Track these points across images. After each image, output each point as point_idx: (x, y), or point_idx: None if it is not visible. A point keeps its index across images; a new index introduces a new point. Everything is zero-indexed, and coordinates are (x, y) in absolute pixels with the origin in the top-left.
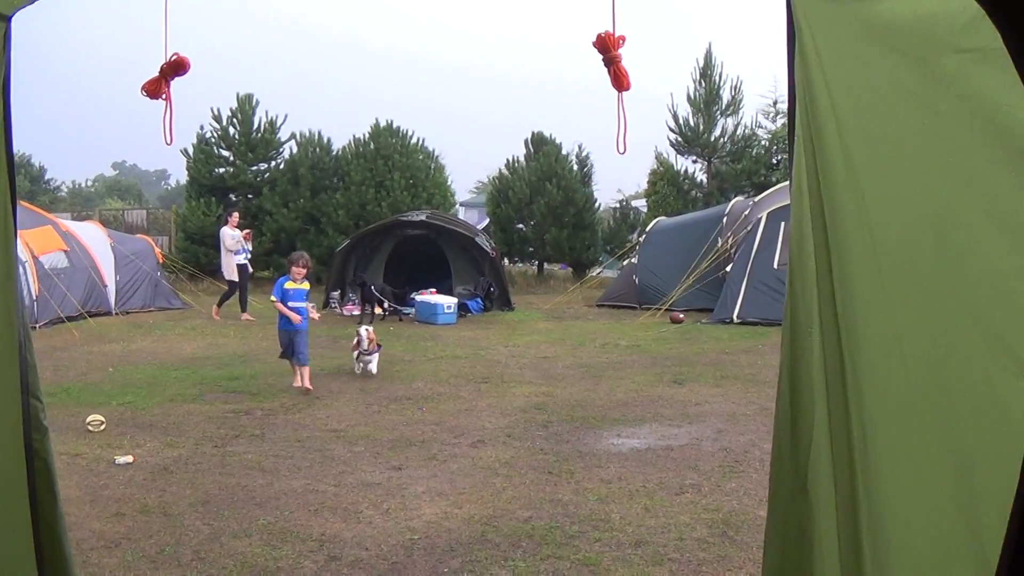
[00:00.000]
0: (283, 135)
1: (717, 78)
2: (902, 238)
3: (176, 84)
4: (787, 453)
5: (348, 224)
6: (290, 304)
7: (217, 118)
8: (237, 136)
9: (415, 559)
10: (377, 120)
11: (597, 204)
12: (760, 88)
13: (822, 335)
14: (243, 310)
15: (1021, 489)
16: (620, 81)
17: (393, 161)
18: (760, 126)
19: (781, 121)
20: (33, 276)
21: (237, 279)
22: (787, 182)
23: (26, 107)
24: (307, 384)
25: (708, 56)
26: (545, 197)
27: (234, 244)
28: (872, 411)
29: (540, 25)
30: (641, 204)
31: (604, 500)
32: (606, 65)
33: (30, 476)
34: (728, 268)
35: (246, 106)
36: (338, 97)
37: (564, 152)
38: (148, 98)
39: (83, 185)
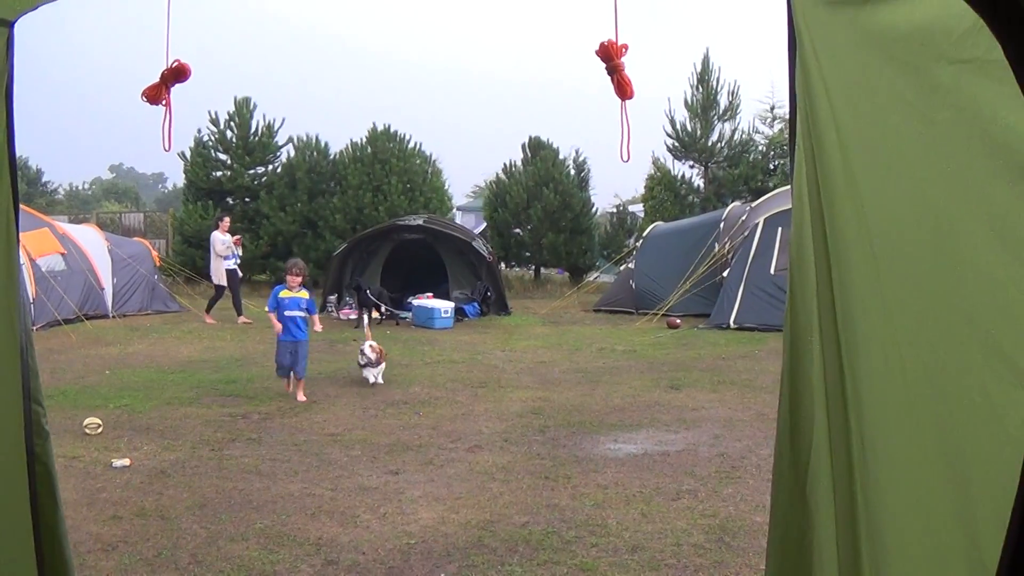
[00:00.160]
0: (280, 139)
1: (714, 83)
2: (901, 247)
3: (174, 88)
4: (787, 459)
5: (345, 228)
6: (286, 313)
7: (215, 122)
8: (234, 140)
9: (412, 564)
10: (375, 124)
11: (594, 209)
12: (757, 93)
13: (822, 342)
14: (239, 314)
15: (1019, 497)
16: (623, 89)
17: (390, 165)
18: (757, 131)
19: (778, 126)
20: (30, 279)
21: (225, 284)
22: (784, 187)
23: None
24: (301, 395)
25: (706, 61)
26: (542, 202)
27: (224, 249)
28: (871, 418)
29: (538, 31)
30: (638, 209)
31: (601, 505)
32: (609, 74)
33: (31, 480)
34: (725, 273)
35: (244, 110)
36: (335, 101)
37: (561, 157)
38: (148, 104)
39: (80, 188)
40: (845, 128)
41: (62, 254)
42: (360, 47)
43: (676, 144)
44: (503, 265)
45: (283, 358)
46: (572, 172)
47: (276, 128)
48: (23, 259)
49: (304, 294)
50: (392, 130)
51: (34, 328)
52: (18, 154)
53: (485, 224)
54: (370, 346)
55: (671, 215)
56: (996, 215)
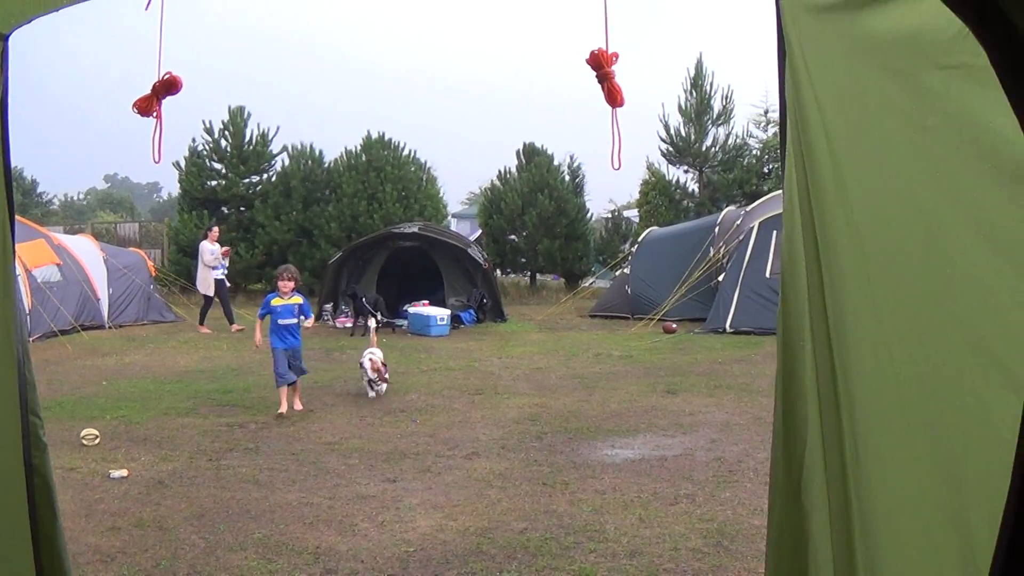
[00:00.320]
0: (275, 147)
1: (708, 88)
2: (891, 251)
3: (166, 100)
4: (782, 462)
5: (340, 236)
6: (279, 322)
7: (209, 131)
8: (229, 149)
9: (410, 571)
10: (369, 132)
11: (589, 214)
12: (751, 97)
13: (814, 346)
14: (231, 322)
15: (1011, 498)
16: (614, 97)
17: (385, 173)
18: (751, 135)
19: (772, 130)
20: (26, 290)
21: (212, 293)
22: (779, 191)
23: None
24: (296, 404)
25: (699, 66)
26: (537, 208)
27: (212, 259)
28: (864, 422)
29: (533, 39)
30: (633, 214)
31: (599, 511)
32: (599, 82)
33: (30, 492)
34: (720, 278)
35: (238, 118)
36: (330, 110)
37: (556, 163)
38: (140, 115)
39: (75, 198)
40: (835, 134)
41: (58, 265)
42: (354, 55)
43: (670, 149)
44: (499, 272)
45: (282, 367)
46: (567, 178)
47: (271, 137)
48: (19, 270)
49: (297, 299)
50: (387, 138)
51: (30, 339)
52: (13, 165)
53: (480, 231)
54: (370, 360)
55: (666, 220)
56: (986, 219)
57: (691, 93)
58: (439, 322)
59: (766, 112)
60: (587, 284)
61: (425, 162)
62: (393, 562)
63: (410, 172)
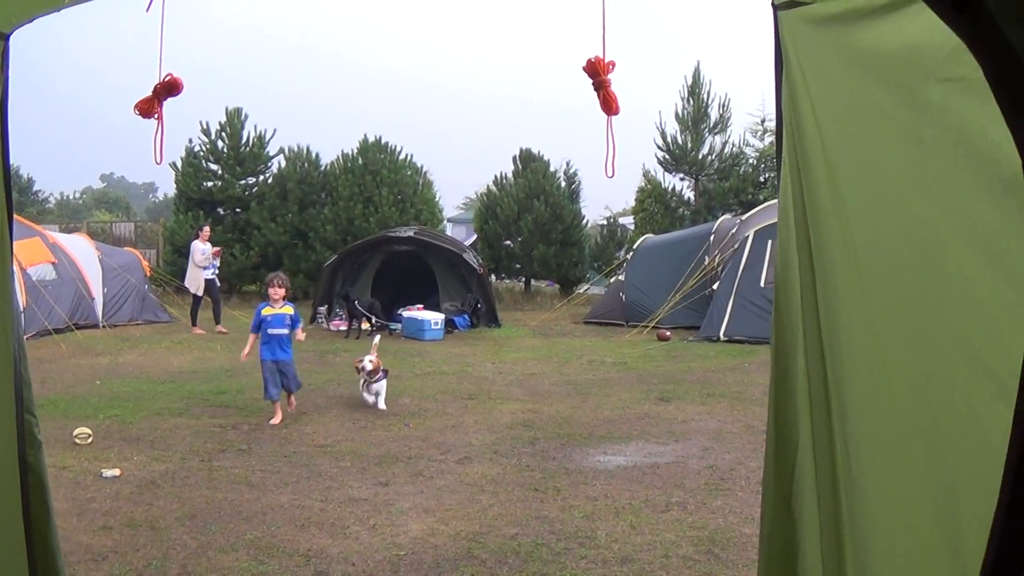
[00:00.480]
0: (272, 149)
1: (705, 96)
2: (886, 263)
3: (166, 102)
4: (773, 472)
5: (336, 239)
6: (270, 332)
7: (206, 132)
8: (226, 150)
9: (401, 575)
10: (366, 136)
11: (585, 221)
12: (748, 106)
13: (807, 355)
14: (216, 322)
15: (1000, 508)
16: (609, 105)
17: (381, 177)
18: (748, 144)
19: (769, 139)
20: (21, 288)
21: (201, 293)
22: (775, 200)
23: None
24: (290, 404)
25: (696, 74)
26: (533, 214)
27: (203, 260)
28: (856, 431)
29: (530, 46)
30: (628, 221)
31: (590, 517)
32: (595, 89)
33: (24, 491)
34: (715, 286)
35: (235, 120)
36: (327, 113)
37: (552, 169)
38: (141, 117)
39: (71, 197)
40: (831, 145)
41: (53, 263)
42: (352, 59)
43: (667, 157)
44: (493, 277)
45: (269, 379)
46: (563, 184)
47: (267, 139)
48: (14, 268)
49: (288, 309)
50: (383, 141)
51: (25, 337)
52: (10, 163)
53: (476, 236)
54: (370, 360)
55: (661, 227)
56: (980, 230)
57: (688, 101)
58: (433, 326)
59: (763, 121)
60: (582, 290)
61: (422, 166)
62: (384, 565)
63: (406, 176)
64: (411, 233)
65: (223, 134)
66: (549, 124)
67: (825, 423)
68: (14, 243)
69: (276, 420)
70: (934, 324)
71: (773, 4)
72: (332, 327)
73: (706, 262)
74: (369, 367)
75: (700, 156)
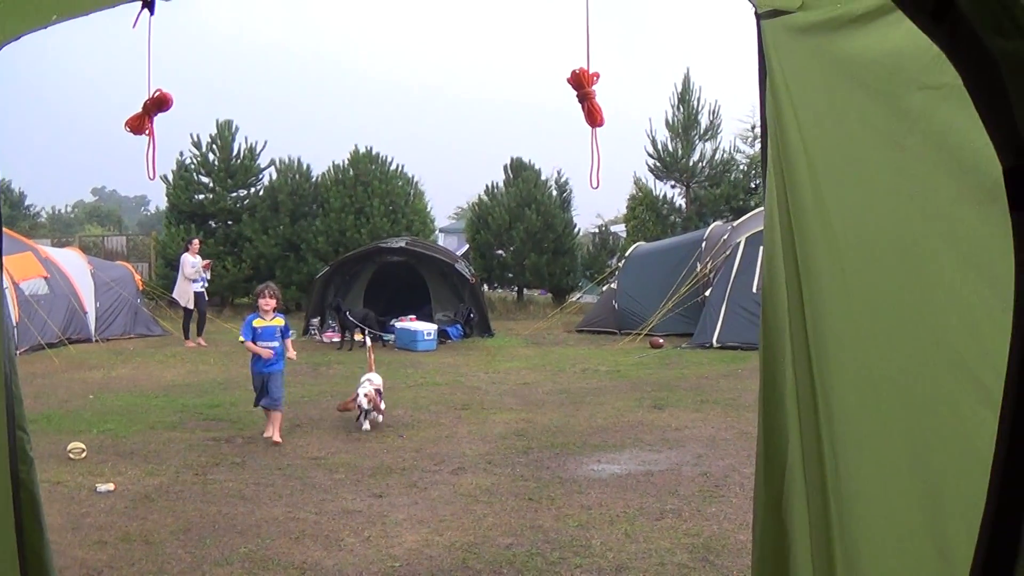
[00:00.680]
0: (263, 161)
1: (695, 103)
2: (871, 269)
3: (157, 117)
4: (763, 477)
5: (328, 251)
6: (260, 344)
7: (197, 144)
8: (217, 162)
9: None
10: (356, 147)
11: (576, 229)
12: (738, 112)
13: (794, 363)
14: (198, 334)
15: (987, 514)
16: (594, 117)
17: (372, 188)
18: (738, 150)
19: (759, 145)
20: (13, 303)
21: (192, 306)
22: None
23: (4, 132)
24: (276, 435)
25: (686, 81)
26: (524, 223)
27: (193, 272)
28: (843, 436)
29: (522, 53)
30: (620, 229)
31: (585, 526)
32: (580, 101)
33: (17, 507)
34: (707, 293)
35: (226, 132)
36: (317, 124)
37: (543, 178)
38: (132, 134)
39: (63, 211)
40: (815, 153)
41: (45, 278)
42: (348, 70)
43: (658, 164)
44: (486, 287)
45: (259, 387)
46: (554, 193)
47: (258, 151)
48: (6, 283)
49: (279, 321)
50: (374, 152)
51: (17, 352)
52: (1, 177)
53: (468, 246)
54: (365, 394)
55: (653, 235)
56: (962, 237)
57: (678, 108)
58: (426, 337)
59: (753, 127)
60: (574, 299)
61: (413, 176)
62: None
63: (398, 187)
64: (403, 244)
65: (214, 147)
66: (540, 129)
67: (813, 429)
68: (6, 258)
69: (272, 436)
70: (919, 330)
71: (756, 13)
72: (325, 339)
73: (698, 269)
74: (367, 405)
75: (691, 163)
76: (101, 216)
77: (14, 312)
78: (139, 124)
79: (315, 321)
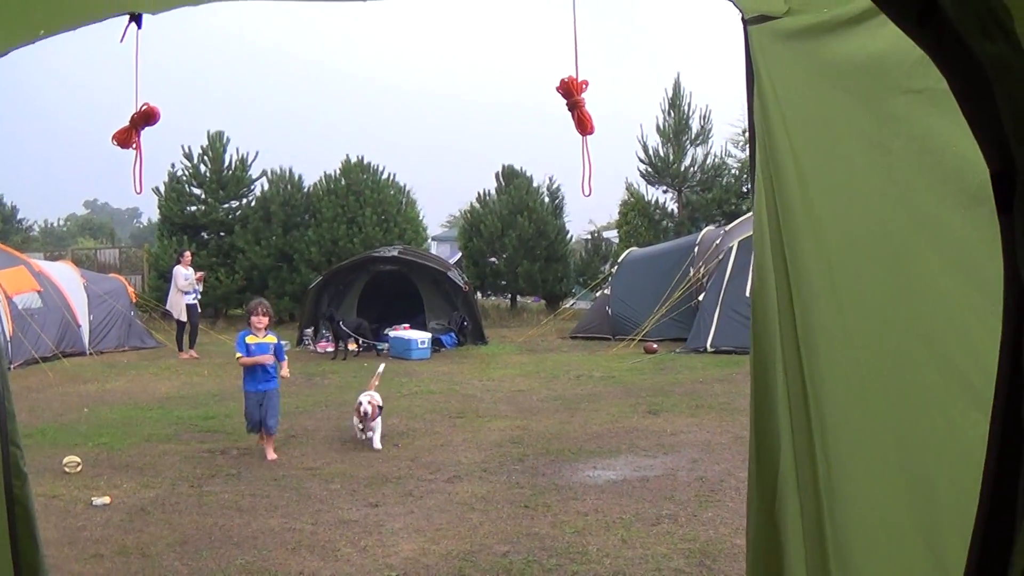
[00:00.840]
0: (254, 172)
1: (686, 108)
2: (859, 273)
3: (144, 131)
4: (756, 482)
5: (321, 261)
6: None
7: (188, 156)
8: (208, 174)
9: None
10: (348, 156)
11: (569, 236)
12: (729, 117)
13: (785, 368)
14: (191, 346)
15: (979, 517)
16: (584, 125)
17: (364, 197)
18: (730, 155)
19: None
20: (7, 317)
21: (185, 318)
22: None
23: None
24: (271, 453)
25: (676, 86)
26: (517, 230)
27: (186, 284)
28: (835, 440)
29: (516, 57)
30: (613, 235)
31: (581, 532)
32: (570, 110)
33: (11, 522)
34: (700, 297)
35: (217, 143)
36: (308, 132)
37: (535, 184)
38: (119, 147)
39: (55, 224)
40: (803, 157)
41: (38, 292)
42: (344, 71)
43: (649, 169)
44: (479, 294)
45: (252, 411)
46: (546, 200)
47: (250, 162)
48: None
49: (272, 339)
50: (365, 161)
51: (12, 366)
52: None
53: (460, 254)
54: (368, 397)
55: (645, 240)
56: (949, 240)
57: (669, 113)
58: (420, 345)
59: (744, 131)
60: (568, 305)
61: (404, 185)
62: None
63: (389, 196)
64: (395, 252)
65: (205, 158)
66: (534, 132)
67: (805, 432)
68: (0, 272)
69: (270, 454)
70: (908, 333)
71: (743, 18)
72: (319, 349)
73: (691, 274)
74: (369, 410)
75: (682, 168)
76: (93, 229)
77: (8, 326)
78: (126, 138)
79: (309, 331)
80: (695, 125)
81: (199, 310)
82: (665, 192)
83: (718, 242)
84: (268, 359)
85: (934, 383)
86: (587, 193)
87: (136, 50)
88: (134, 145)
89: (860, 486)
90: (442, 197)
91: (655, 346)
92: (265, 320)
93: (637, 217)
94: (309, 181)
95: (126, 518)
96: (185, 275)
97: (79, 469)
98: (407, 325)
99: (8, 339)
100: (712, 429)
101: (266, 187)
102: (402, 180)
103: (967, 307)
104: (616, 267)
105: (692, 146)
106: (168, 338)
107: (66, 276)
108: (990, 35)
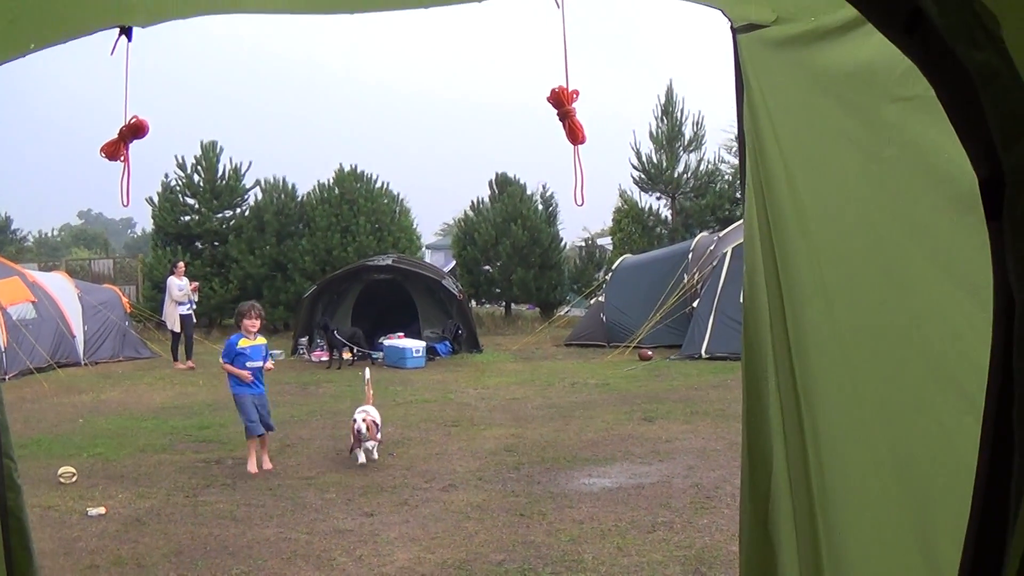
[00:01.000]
0: (248, 182)
1: (679, 114)
2: (851, 280)
3: (133, 143)
4: (748, 491)
5: (315, 270)
6: (248, 365)
7: (181, 166)
8: (202, 184)
9: None
10: (341, 165)
11: (563, 243)
12: (722, 123)
13: (777, 375)
14: (187, 357)
15: (972, 523)
16: (575, 135)
17: (358, 206)
18: (723, 161)
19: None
20: (1, 328)
21: (179, 329)
22: None
23: None
24: (267, 463)
25: (669, 92)
26: (511, 238)
27: (180, 295)
28: (827, 448)
29: (511, 62)
30: (607, 242)
31: (576, 540)
32: (561, 120)
33: (5, 534)
34: (695, 304)
35: (210, 153)
36: (301, 139)
37: (529, 192)
38: (107, 160)
39: (49, 235)
40: (793, 165)
41: (33, 302)
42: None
43: (643, 176)
44: (473, 302)
45: (251, 414)
46: (540, 207)
47: (243, 171)
48: None
49: (262, 340)
50: (359, 170)
51: (6, 377)
52: None
53: (454, 262)
54: (363, 418)
55: (639, 247)
56: (941, 247)
57: (662, 120)
58: (414, 354)
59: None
60: (562, 313)
61: (398, 194)
62: None
63: (383, 204)
64: (389, 261)
65: (199, 168)
66: (528, 136)
67: (798, 438)
68: None
69: (251, 468)
70: (900, 339)
71: (732, 27)
72: (313, 358)
73: (685, 280)
74: (363, 428)
75: (676, 175)
76: (88, 239)
77: (2, 337)
78: (114, 150)
79: (303, 340)
80: (688, 131)
81: (194, 320)
82: (659, 199)
83: (712, 248)
84: (247, 376)
85: (926, 388)
86: (579, 203)
87: (126, 63)
88: (122, 158)
89: (853, 490)
90: (437, 201)
91: (650, 353)
92: (257, 323)
93: (631, 224)
94: (303, 190)
95: (121, 529)
96: (179, 286)
97: (74, 480)
98: (401, 334)
99: (2, 350)
100: (707, 436)
101: (260, 196)
102: (396, 188)
103: (958, 313)
104: (610, 274)
105: (685, 152)
106: (163, 348)
107: (60, 286)
108: (977, 43)
